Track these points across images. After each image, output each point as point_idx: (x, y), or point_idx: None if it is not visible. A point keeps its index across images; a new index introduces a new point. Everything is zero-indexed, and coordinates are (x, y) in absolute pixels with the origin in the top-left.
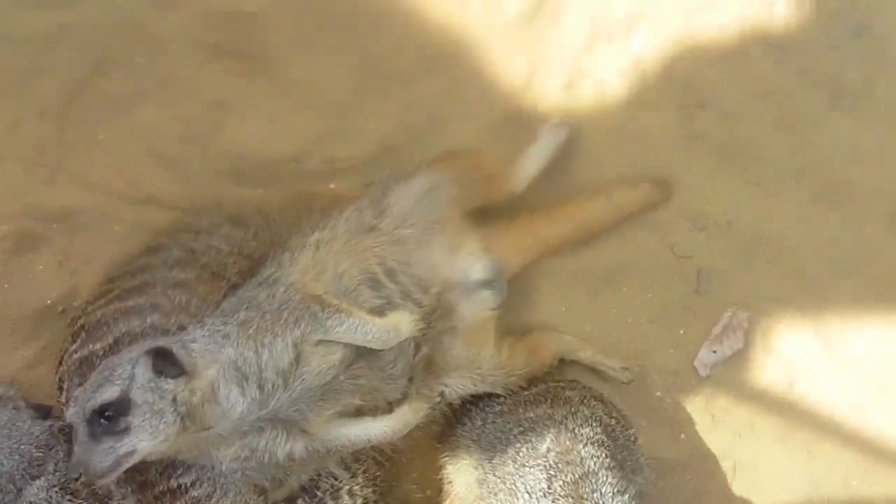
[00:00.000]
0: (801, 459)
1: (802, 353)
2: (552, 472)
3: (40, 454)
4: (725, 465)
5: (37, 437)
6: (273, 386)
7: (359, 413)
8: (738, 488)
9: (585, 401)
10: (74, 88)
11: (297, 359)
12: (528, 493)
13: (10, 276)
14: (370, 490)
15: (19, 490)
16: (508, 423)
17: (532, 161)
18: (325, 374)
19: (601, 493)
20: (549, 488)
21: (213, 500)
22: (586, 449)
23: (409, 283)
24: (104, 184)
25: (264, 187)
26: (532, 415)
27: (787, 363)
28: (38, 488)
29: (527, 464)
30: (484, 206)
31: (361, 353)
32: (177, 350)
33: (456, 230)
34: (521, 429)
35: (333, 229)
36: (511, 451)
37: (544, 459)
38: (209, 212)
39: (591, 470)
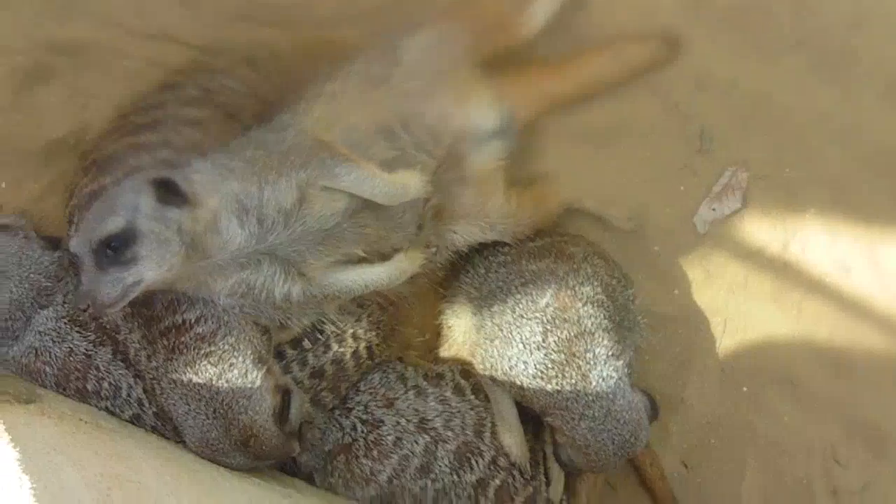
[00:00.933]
0: (790, 317)
1: (797, 216)
2: (548, 327)
3: (49, 284)
4: (716, 320)
5: (46, 266)
6: (273, 222)
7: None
8: (727, 343)
9: (588, 258)
10: None
11: (301, 200)
12: (522, 343)
13: (21, 109)
14: (373, 333)
15: (28, 318)
16: (511, 273)
17: (543, 6)
18: (327, 219)
19: (594, 353)
20: (543, 342)
21: (218, 336)
22: (585, 308)
23: (423, 134)
24: (118, 18)
25: (277, 30)
26: (534, 267)
27: (782, 224)
28: (46, 318)
29: (525, 315)
30: (494, 55)
31: (369, 204)
32: (179, 180)
33: (467, 80)
34: (523, 280)
35: (345, 81)
36: (511, 302)
37: (542, 313)
38: (225, 52)
39: (587, 329)
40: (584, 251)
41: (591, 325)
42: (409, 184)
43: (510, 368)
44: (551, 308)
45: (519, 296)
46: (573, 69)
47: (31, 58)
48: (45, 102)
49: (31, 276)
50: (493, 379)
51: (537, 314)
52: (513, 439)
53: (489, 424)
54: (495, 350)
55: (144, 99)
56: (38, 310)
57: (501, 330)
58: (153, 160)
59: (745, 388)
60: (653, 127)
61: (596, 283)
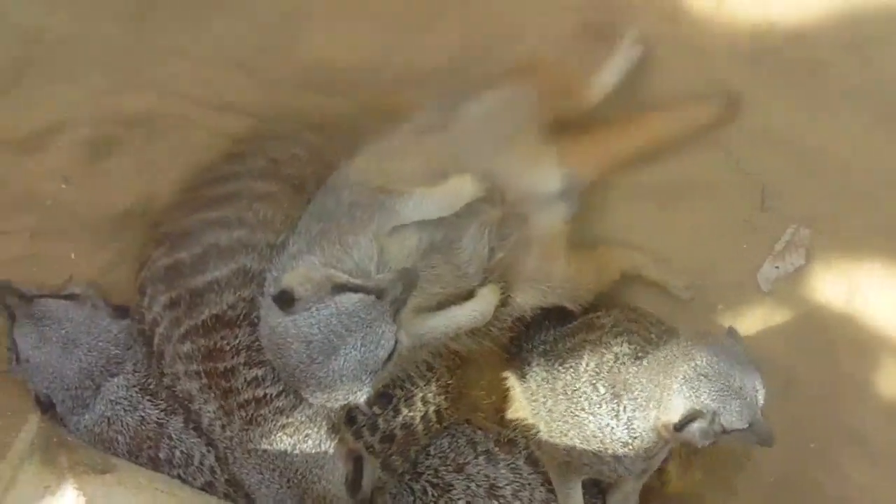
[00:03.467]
0: (857, 371)
1: (860, 269)
2: (594, 381)
3: (118, 352)
4: (781, 377)
5: (115, 335)
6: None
7: (440, 308)
8: (794, 399)
9: (618, 324)
10: None
11: (380, 250)
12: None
13: (89, 180)
14: (442, 397)
15: (97, 386)
16: (550, 359)
17: (610, 73)
18: (404, 260)
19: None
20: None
21: (297, 409)
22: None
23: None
24: (182, 90)
25: (341, 96)
26: (569, 345)
27: (845, 278)
28: (117, 386)
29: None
30: (557, 119)
31: (435, 247)
32: (294, 287)
33: (531, 142)
34: (561, 360)
35: (399, 131)
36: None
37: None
38: (289, 119)
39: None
40: (615, 319)
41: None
42: (461, 186)
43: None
44: (592, 364)
45: (563, 375)
46: (636, 130)
47: (99, 130)
48: (113, 173)
49: (100, 343)
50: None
51: (583, 377)
52: None
53: None
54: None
55: (213, 171)
56: (108, 378)
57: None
58: (229, 239)
59: (812, 446)
60: (715, 185)
61: (627, 339)
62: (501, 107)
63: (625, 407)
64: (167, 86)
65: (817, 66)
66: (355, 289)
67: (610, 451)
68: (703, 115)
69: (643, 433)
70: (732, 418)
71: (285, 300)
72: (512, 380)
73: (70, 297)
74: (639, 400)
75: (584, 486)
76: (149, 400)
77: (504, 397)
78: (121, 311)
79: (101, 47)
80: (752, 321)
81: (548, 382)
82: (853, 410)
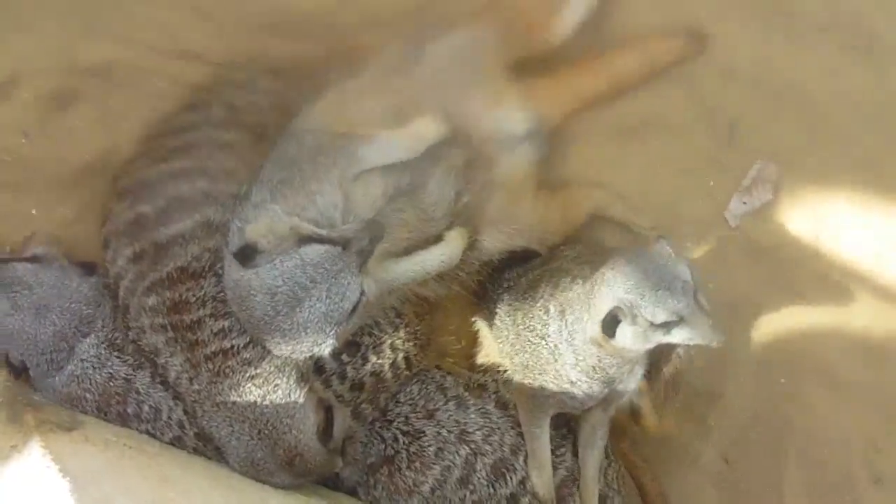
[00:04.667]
0: (824, 307)
1: (829, 204)
2: (547, 303)
3: (90, 311)
4: (751, 313)
5: (86, 294)
6: (335, 223)
7: (407, 253)
8: (762, 336)
9: (581, 255)
10: None
11: (345, 195)
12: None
13: (49, 133)
14: (411, 343)
15: (71, 347)
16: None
17: (573, 12)
18: (371, 206)
19: None
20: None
21: (265, 360)
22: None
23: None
24: (140, 38)
25: (300, 41)
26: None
27: (813, 213)
28: (88, 345)
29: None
30: (521, 59)
31: (401, 191)
32: (256, 240)
33: (495, 84)
34: (522, 292)
35: (360, 74)
36: (519, 316)
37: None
38: (246, 66)
39: None
40: (578, 251)
41: None
42: (425, 129)
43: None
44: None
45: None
46: (600, 68)
47: (57, 81)
48: (73, 126)
49: (73, 305)
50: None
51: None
52: (539, 479)
53: (524, 451)
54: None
55: (172, 120)
56: (81, 338)
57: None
58: (192, 189)
59: (782, 381)
60: (681, 122)
61: (588, 265)
62: (463, 48)
63: (566, 322)
64: (124, 34)
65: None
66: (320, 240)
67: (564, 377)
68: (668, 51)
69: (584, 349)
70: (655, 309)
71: (248, 254)
72: (480, 323)
73: (35, 259)
74: (576, 313)
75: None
76: (116, 356)
77: (473, 342)
78: (87, 268)
79: None
80: (720, 257)
81: (510, 316)
82: (822, 345)
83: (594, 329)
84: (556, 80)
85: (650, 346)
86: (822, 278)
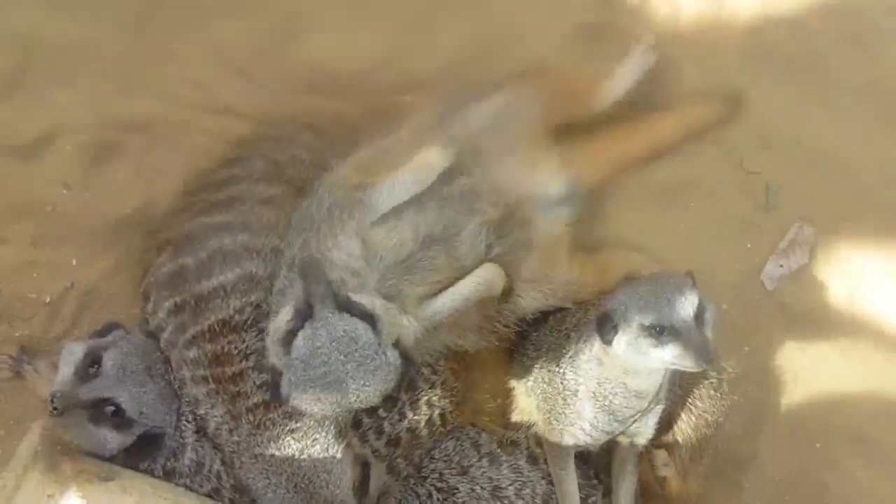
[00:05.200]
0: (859, 372)
1: (864, 270)
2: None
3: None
4: (786, 377)
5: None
6: (357, 273)
7: None
8: (797, 399)
9: None
10: (150, 1)
11: (364, 243)
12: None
13: (89, 186)
14: (447, 401)
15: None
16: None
17: (620, 81)
18: (398, 249)
19: None
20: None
21: (305, 415)
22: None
23: (484, 186)
24: (181, 95)
25: (339, 99)
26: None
27: (849, 278)
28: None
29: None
30: (561, 123)
31: (434, 238)
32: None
33: (533, 146)
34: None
35: (398, 133)
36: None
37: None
38: (289, 121)
39: None
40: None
41: None
42: (429, 159)
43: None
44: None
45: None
46: (639, 133)
47: (98, 135)
48: (113, 179)
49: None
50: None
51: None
52: None
53: (555, 500)
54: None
55: (214, 174)
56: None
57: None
58: (234, 243)
59: (817, 445)
60: (718, 185)
61: None
62: (505, 111)
63: (575, 343)
64: (166, 90)
65: (818, 61)
66: (295, 323)
67: (572, 408)
68: (705, 115)
69: (586, 368)
70: (645, 311)
71: (287, 340)
72: (514, 381)
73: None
74: (584, 333)
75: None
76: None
77: (508, 400)
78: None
79: (101, 53)
80: (755, 320)
81: (539, 367)
82: (857, 410)
83: (592, 337)
84: (594, 144)
85: (645, 359)
86: (857, 342)
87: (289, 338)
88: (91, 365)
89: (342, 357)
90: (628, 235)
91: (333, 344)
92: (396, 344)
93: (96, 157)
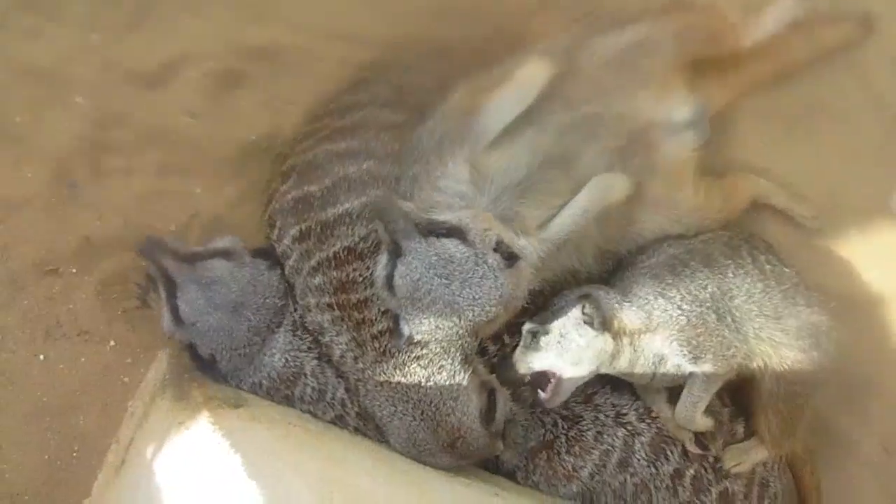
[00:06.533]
0: None
1: None
2: None
3: (281, 303)
4: None
5: (276, 287)
6: (466, 195)
7: None
8: None
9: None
10: None
11: (476, 168)
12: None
13: (215, 114)
14: None
15: (263, 340)
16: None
17: (769, 22)
18: (512, 171)
19: None
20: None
21: (431, 342)
22: None
23: (609, 116)
24: (307, 22)
25: (467, 24)
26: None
27: None
28: (281, 334)
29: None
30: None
31: (553, 161)
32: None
33: (663, 71)
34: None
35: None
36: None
37: None
38: (412, 48)
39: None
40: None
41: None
42: (529, 74)
43: None
44: None
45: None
46: (768, 54)
47: (224, 63)
48: (239, 107)
49: (267, 300)
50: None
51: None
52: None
53: None
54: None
55: (338, 100)
56: (274, 330)
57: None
58: (358, 171)
59: None
60: (847, 108)
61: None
62: (642, 45)
63: None
64: (291, 18)
65: None
66: (390, 265)
67: None
68: (832, 38)
69: None
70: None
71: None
72: None
73: (227, 253)
74: None
75: None
76: (299, 338)
77: None
78: (265, 255)
79: None
80: (884, 245)
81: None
82: None
83: None
84: (722, 67)
85: None
86: None
87: (390, 281)
88: (201, 259)
89: (444, 280)
90: (755, 160)
91: (431, 271)
92: (498, 247)
93: (222, 86)
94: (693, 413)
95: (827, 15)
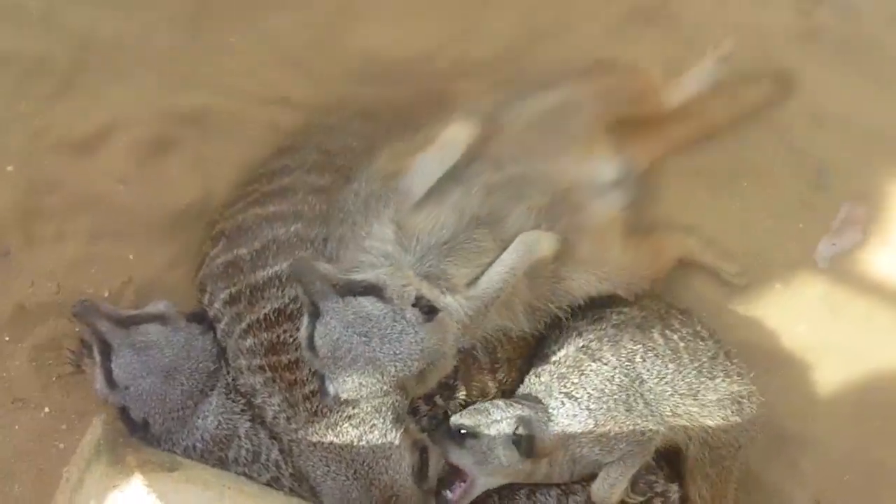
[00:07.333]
0: None
1: None
2: None
3: (216, 366)
4: (844, 355)
5: (210, 351)
6: (392, 255)
7: None
8: (856, 378)
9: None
10: None
11: (401, 227)
12: None
13: (146, 180)
14: (505, 389)
15: (196, 404)
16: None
17: (691, 83)
18: (438, 231)
19: None
20: None
21: (363, 401)
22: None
23: (528, 175)
24: (236, 87)
25: (393, 87)
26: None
27: None
28: (215, 397)
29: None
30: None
31: (481, 221)
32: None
33: (590, 135)
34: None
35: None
36: None
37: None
38: (339, 110)
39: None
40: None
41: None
42: (453, 132)
43: None
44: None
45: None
46: (690, 115)
47: (154, 129)
48: (169, 173)
49: (200, 365)
50: None
51: None
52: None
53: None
54: None
55: (266, 165)
56: (207, 394)
57: None
58: (287, 233)
59: (877, 423)
60: (769, 164)
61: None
62: (565, 106)
63: None
64: (220, 83)
65: (871, 43)
66: (311, 326)
67: None
68: (752, 97)
69: None
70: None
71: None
72: None
73: (162, 318)
74: None
75: None
76: (231, 401)
77: None
78: (198, 318)
79: (155, 48)
80: (810, 300)
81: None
82: None
83: None
84: (646, 127)
85: None
86: None
87: (311, 342)
88: (136, 323)
89: (363, 338)
90: (681, 218)
91: (349, 329)
92: (417, 302)
93: (152, 152)
94: (610, 495)
95: (747, 75)
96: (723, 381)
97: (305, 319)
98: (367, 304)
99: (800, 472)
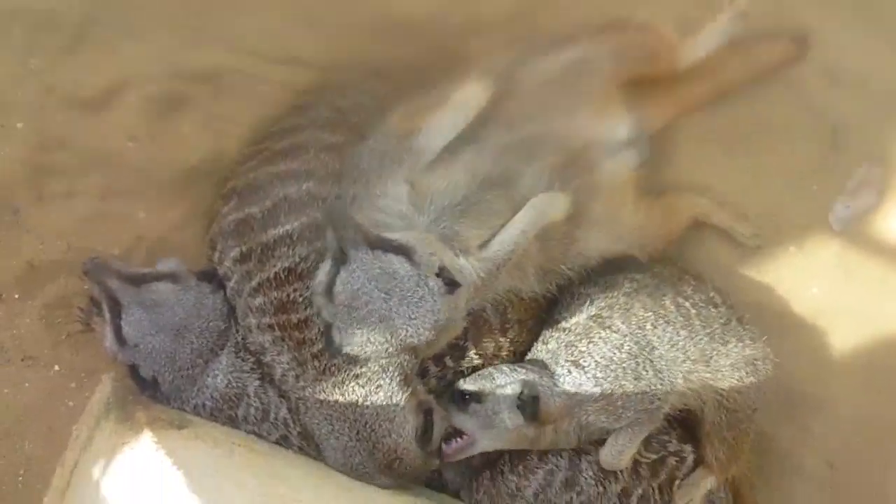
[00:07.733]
0: None
1: None
2: None
3: (224, 325)
4: (857, 318)
5: (220, 310)
6: (405, 215)
7: None
8: (868, 340)
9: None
10: None
11: (414, 187)
12: None
13: (157, 137)
14: (514, 349)
15: (206, 363)
16: None
17: (706, 42)
18: (452, 192)
19: None
20: None
21: (370, 361)
22: None
23: (548, 136)
24: (248, 45)
25: (405, 44)
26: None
27: None
28: (224, 355)
29: None
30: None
31: (493, 181)
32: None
33: (603, 94)
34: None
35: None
36: None
37: None
38: (354, 69)
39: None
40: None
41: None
42: (467, 95)
43: None
44: None
45: None
46: (704, 74)
47: (166, 86)
48: (181, 130)
49: (210, 324)
50: None
51: None
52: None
53: None
54: None
55: (279, 123)
56: (218, 352)
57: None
58: (298, 191)
59: (889, 386)
60: (784, 125)
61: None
62: (578, 64)
63: None
64: (233, 41)
65: (889, 1)
66: (333, 272)
67: None
68: (771, 55)
69: None
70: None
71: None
72: None
73: (173, 276)
74: None
75: None
76: (241, 360)
77: None
78: (208, 276)
79: (167, 4)
80: (823, 262)
81: None
82: None
83: None
84: (660, 87)
85: None
86: None
87: (330, 288)
88: (146, 281)
89: (383, 294)
90: (695, 178)
91: (372, 283)
92: (441, 273)
93: (163, 109)
94: (618, 461)
95: (763, 33)
96: (735, 345)
97: (328, 264)
98: (396, 262)
99: (812, 434)
